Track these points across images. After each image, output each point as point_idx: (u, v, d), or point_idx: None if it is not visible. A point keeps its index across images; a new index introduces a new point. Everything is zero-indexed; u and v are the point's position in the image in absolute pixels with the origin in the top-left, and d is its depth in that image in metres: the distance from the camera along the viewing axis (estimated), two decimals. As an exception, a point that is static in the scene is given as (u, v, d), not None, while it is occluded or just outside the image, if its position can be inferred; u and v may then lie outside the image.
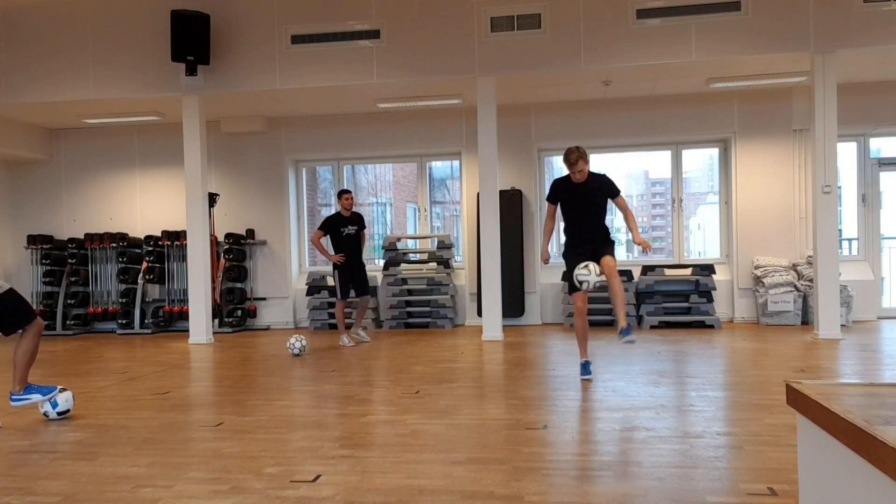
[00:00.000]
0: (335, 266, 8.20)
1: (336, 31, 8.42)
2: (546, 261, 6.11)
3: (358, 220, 8.33)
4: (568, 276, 5.79)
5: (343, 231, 8.19)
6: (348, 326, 8.67)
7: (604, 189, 5.73)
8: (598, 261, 5.67)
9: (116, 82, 8.85)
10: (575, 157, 5.58)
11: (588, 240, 5.78)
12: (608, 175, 5.83)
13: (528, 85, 8.93)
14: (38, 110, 9.60)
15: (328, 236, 8.26)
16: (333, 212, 8.58)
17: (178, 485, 3.28)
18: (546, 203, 6.05)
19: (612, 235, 5.87)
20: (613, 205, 5.81)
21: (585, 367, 5.71)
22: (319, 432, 4.20)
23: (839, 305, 7.84)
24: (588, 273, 5.51)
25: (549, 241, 6.09)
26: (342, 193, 8.31)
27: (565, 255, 5.93)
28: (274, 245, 10.59)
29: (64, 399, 4.67)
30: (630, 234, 5.81)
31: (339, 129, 10.40)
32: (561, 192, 5.82)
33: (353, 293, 8.25)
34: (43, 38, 8.96)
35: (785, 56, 7.85)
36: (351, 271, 8.19)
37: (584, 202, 5.75)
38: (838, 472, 1.45)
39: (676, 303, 9.32)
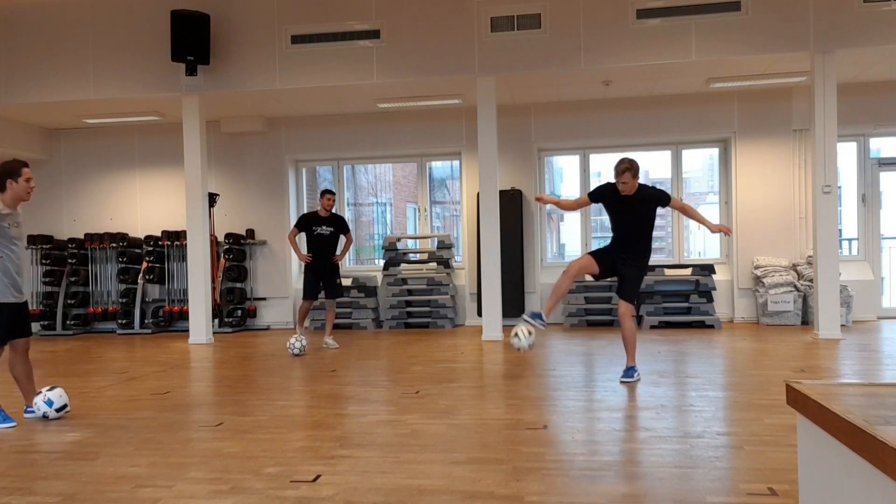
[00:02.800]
0: (308, 266, 8.08)
1: (336, 31, 8.42)
2: (539, 199, 6.20)
3: (335, 223, 8.09)
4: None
5: (315, 230, 7.98)
6: (322, 330, 8.63)
7: (649, 204, 5.55)
8: (613, 274, 5.67)
9: (116, 82, 8.84)
10: (621, 168, 5.43)
11: (618, 250, 5.68)
12: (657, 187, 5.73)
13: (528, 85, 8.93)
14: (37, 110, 9.60)
15: (303, 234, 8.14)
16: (312, 210, 8.39)
17: (178, 485, 3.28)
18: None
19: (646, 258, 5.67)
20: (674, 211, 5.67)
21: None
22: (319, 432, 4.20)
23: (839, 305, 7.84)
24: (518, 339, 5.53)
25: (557, 203, 6.23)
26: (324, 193, 8.09)
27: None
28: (274, 245, 10.58)
29: (57, 395, 4.67)
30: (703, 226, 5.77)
31: (339, 129, 10.40)
32: (605, 196, 5.71)
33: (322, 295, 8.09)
34: (43, 38, 8.95)
35: (785, 56, 7.84)
36: (319, 272, 7.97)
37: (624, 215, 5.63)
38: (838, 472, 1.45)
39: (676, 303, 9.31)
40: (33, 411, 4.65)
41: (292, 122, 10.50)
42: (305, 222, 8.07)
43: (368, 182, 12.13)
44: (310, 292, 8.01)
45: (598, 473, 3.29)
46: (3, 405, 4.65)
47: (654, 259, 11.25)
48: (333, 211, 8.15)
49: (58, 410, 4.66)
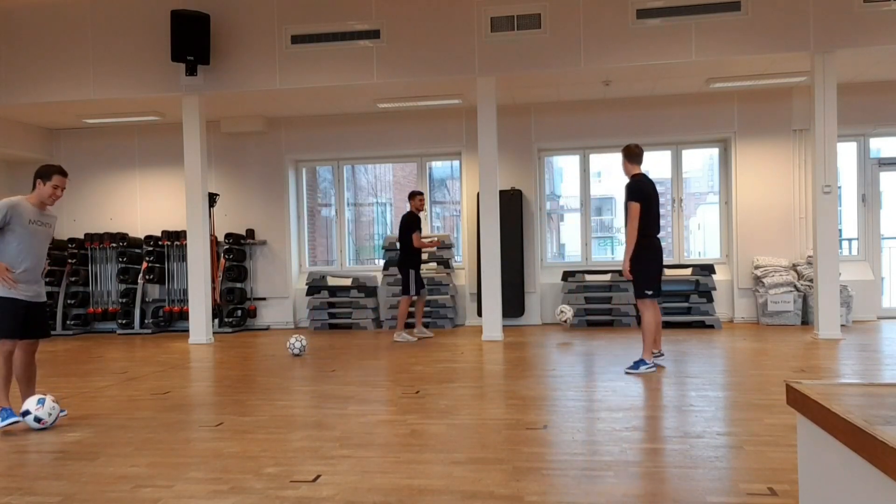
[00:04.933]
0: (414, 263, 8.42)
1: (336, 31, 8.42)
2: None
3: None
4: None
5: (422, 230, 8.53)
6: (411, 325, 8.94)
7: (626, 195, 5.99)
8: None
9: (116, 82, 8.84)
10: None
11: None
12: (635, 179, 5.99)
13: (528, 85, 8.93)
14: (37, 110, 9.60)
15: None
16: (407, 211, 8.60)
17: (177, 485, 3.28)
18: None
19: (632, 253, 5.93)
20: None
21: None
22: (319, 432, 4.19)
23: (839, 305, 7.84)
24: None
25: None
26: (417, 194, 8.53)
27: None
28: (274, 245, 10.58)
29: (46, 412, 4.44)
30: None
31: (339, 129, 10.40)
32: None
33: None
34: (43, 38, 8.96)
35: (785, 56, 7.84)
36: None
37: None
38: (838, 472, 1.45)
39: (676, 303, 9.30)
40: (19, 419, 4.48)
41: (292, 122, 10.50)
42: (419, 223, 8.49)
43: (368, 182, 12.11)
44: (419, 287, 8.57)
45: (598, 474, 3.29)
46: (7, 403, 4.64)
47: (654, 259, 11.24)
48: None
49: (55, 421, 4.53)
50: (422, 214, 8.65)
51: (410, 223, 8.43)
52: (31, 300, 4.66)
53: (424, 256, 9.44)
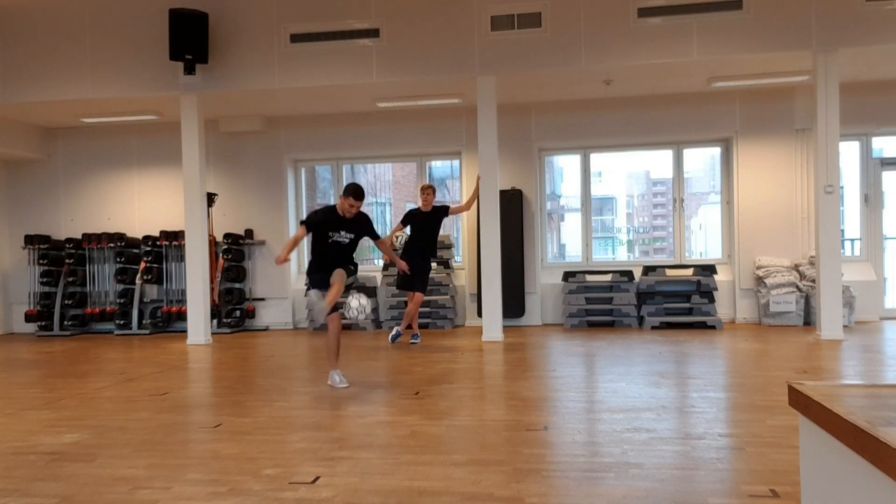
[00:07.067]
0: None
1: (335, 30, 8.40)
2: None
3: (439, 216, 8.17)
4: None
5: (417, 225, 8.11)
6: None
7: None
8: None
9: (114, 81, 8.82)
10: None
11: None
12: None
13: (528, 84, 8.91)
14: (35, 109, 9.58)
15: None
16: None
17: (176, 486, 3.26)
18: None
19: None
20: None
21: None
22: (318, 433, 4.17)
23: (841, 306, 7.81)
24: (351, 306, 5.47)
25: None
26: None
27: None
28: (273, 245, 10.56)
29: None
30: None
31: (339, 129, 10.38)
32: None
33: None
34: (41, 37, 8.94)
35: (787, 55, 7.82)
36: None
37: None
38: (841, 474, 1.43)
39: (678, 303, 9.28)
40: None
41: (291, 122, 10.48)
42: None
43: (368, 182, 12.09)
44: None
45: (599, 475, 3.26)
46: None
47: (656, 259, 11.25)
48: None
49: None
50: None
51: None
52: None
53: None
